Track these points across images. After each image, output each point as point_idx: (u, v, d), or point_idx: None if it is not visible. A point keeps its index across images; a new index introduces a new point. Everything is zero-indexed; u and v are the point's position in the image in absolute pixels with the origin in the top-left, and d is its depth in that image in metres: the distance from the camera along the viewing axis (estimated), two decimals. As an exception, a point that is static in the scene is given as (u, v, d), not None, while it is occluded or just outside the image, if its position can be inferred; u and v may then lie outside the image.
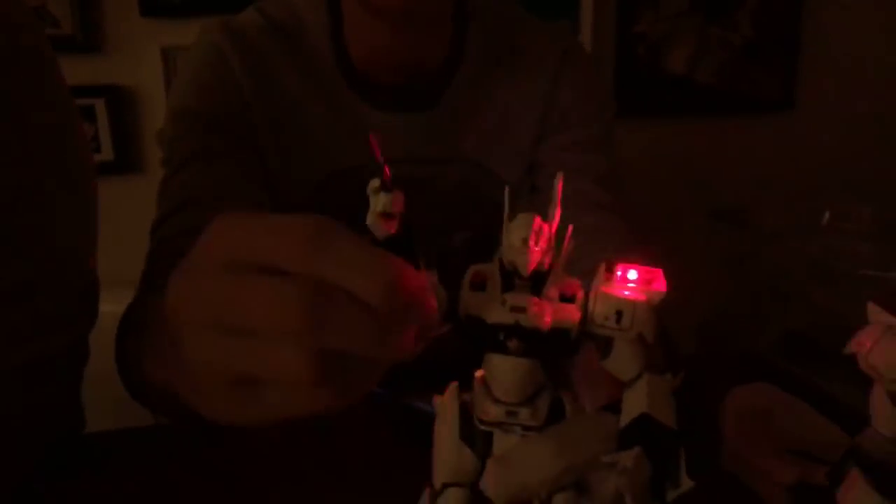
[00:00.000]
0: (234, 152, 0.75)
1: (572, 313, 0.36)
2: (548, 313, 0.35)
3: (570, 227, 0.37)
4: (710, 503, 0.49)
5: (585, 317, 0.36)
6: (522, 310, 0.35)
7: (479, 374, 0.38)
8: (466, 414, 0.38)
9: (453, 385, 0.39)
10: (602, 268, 0.37)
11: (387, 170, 0.34)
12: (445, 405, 0.39)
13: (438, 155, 0.82)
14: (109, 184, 1.45)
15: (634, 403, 0.36)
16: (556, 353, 0.37)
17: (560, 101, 0.82)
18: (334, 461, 0.64)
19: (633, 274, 0.37)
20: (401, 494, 0.41)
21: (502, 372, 0.36)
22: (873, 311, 0.36)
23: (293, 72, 0.78)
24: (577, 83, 0.83)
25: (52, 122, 0.59)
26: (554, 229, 0.37)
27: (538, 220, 0.36)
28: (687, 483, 0.34)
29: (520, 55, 0.82)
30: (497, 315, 0.35)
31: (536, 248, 0.35)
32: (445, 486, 0.38)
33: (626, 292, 0.36)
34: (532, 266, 0.35)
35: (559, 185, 0.36)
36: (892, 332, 0.35)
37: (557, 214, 0.37)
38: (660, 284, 0.36)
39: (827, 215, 1.28)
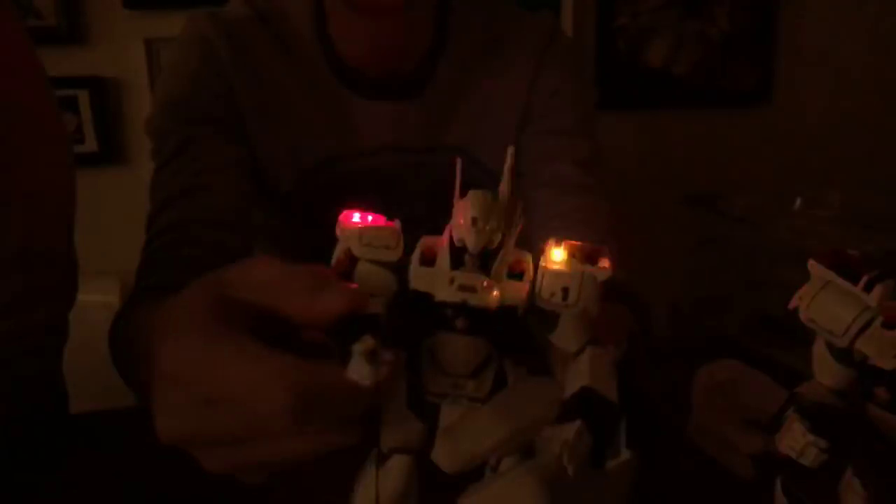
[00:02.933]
0: (221, 142, 0.76)
1: (520, 290, 0.36)
2: (495, 293, 0.35)
3: (520, 203, 0.37)
4: (676, 475, 0.51)
5: (533, 293, 0.36)
6: (471, 289, 0.35)
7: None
8: (414, 384, 0.38)
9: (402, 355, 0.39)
10: (550, 244, 0.37)
11: None
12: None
13: (423, 143, 0.81)
14: (93, 175, 1.46)
15: (577, 376, 0.36)
16: (503, 330, 0.37)
17: (544, 87, 0.82)
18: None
19: (579, 251, 0.37)
20: (355, 458, 0.41)
21: (451, 349, 0.37)
22: (813, 267, 0.38)
23: (280, 62, 0.78)
24: (561, 70, 0.82)
25: (28, 105, 0.61)
26: (505, 205, 0.37)
27: (488, 198, 0.36)
28: (626, 453, 0.35)
29: (504, 43, 0.82)
30: (445, 293, 0.35)
31: (486, 228, 0.35)
32: (393, 450, 0.38)
33: (573, 269, 0.36)
34: (481, 245, 0.35)
35: (510, 159, 0.37)
36: (829, 288, 0.37)
37: (509, 188, 0.37)
38: (605, 261, 0.37)
39: (799, 201, 1.31)
